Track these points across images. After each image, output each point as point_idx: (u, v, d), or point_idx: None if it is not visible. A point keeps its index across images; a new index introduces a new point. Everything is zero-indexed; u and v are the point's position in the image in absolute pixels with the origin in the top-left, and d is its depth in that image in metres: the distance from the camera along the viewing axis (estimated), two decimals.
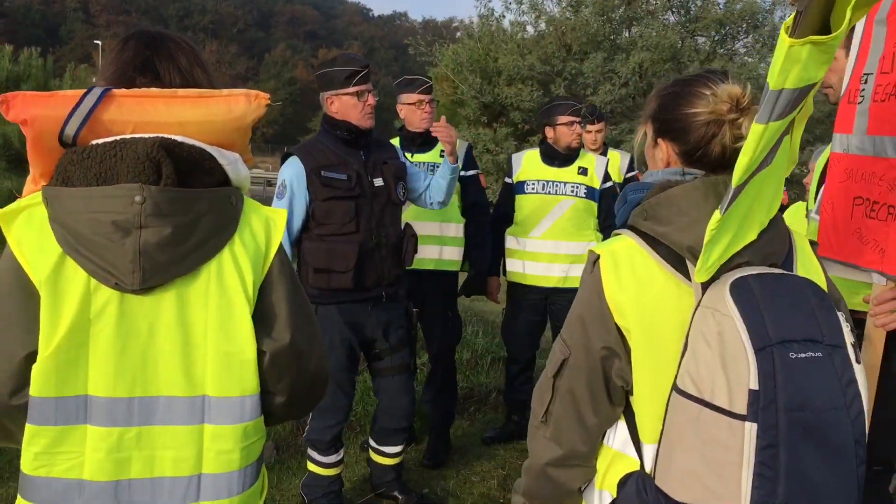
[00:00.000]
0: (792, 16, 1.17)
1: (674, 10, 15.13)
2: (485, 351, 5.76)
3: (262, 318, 1.38)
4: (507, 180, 4.28)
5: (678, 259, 1.40)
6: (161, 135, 1.32)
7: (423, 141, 3.89)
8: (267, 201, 1.97)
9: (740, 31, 15.20)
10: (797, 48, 1.15)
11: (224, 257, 1.35)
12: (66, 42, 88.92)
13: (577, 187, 4.08)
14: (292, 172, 3.04)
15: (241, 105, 1.37)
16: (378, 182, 3.11)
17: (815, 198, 2.49)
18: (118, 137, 1.30)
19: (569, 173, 4.11)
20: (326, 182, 3.00)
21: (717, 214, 1.28)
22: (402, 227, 3.26)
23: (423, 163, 3.87)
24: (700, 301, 1.33)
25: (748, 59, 14.82)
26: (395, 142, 3.86)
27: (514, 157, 4.30)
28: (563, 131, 4.11)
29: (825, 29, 1.18)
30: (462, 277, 4.17)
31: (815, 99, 1.38)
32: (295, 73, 79.41)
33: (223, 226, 1.35)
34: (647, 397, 1.41)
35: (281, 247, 1.43)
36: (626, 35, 15.48)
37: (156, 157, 1.28)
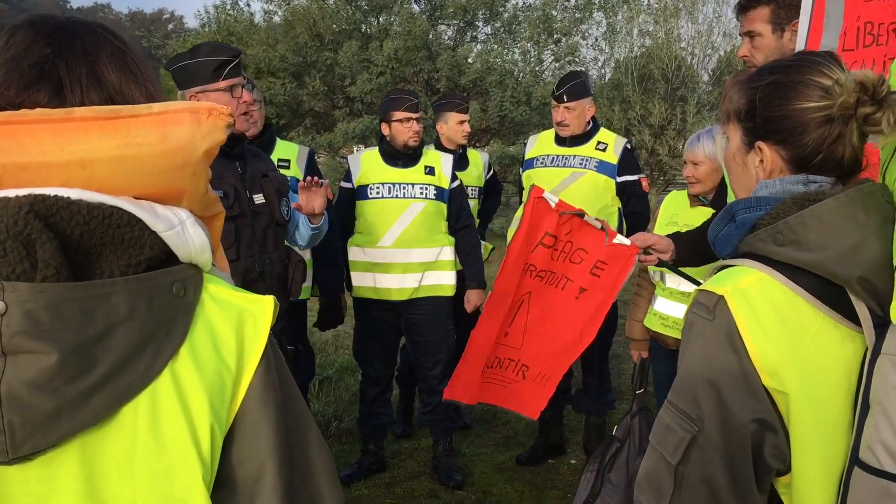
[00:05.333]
0: None
1: None
2: None
3: (227, 483, 0.85)
4: (346, 185, 3.79)
5: (832, 293, 1.10)
6: (38, 190, 0.75)
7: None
8: None
9: (481, 19, 15.71)
10: None
11: (160, 390, 0.80)
12: None
13: (426, 188, 3.71)
14: None
15: (186, 128, 0.82)
16: (259, 199, 2.54)
17: None
18: None
19: (415, 174, 3.73)
20: None
21: None
22: (287, 252, 2.69)
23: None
24: (881, 347, 1.05)
25: (495, 45, 15.38)
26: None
27: (352, 158, 3.83)
28: (399, 128, 3.72)
29: None
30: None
31: None
32: None
33: (159, 336, 0.80)
34: (813, 478, 1.10)
35: (265, 360, 0.88)
36: (376, 24, 15.28)
37: (26, 234, 0.73)
